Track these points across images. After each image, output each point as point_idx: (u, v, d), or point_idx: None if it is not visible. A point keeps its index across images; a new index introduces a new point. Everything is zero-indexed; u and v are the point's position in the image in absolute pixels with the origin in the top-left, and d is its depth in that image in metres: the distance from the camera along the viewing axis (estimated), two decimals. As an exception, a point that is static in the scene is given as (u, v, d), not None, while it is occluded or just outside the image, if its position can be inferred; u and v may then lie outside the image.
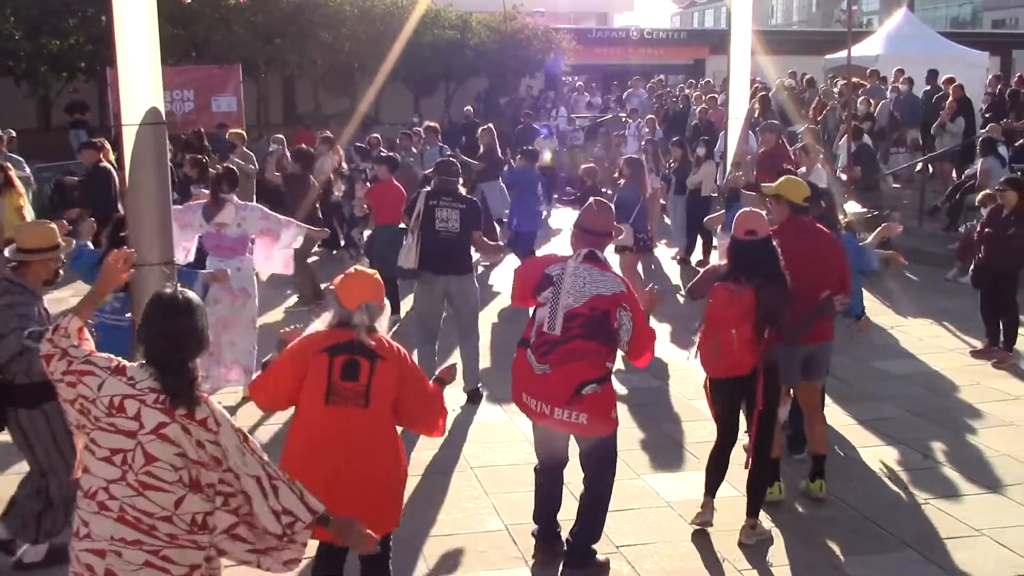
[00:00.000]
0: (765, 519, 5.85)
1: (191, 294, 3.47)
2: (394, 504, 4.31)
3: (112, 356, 3.45)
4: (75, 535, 3.33)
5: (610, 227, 5.34)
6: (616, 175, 12.72)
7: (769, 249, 5.47)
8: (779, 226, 5.95)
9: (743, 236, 5.46)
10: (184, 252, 8.33)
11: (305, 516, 3.45)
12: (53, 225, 5.32)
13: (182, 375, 3.32)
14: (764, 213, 5.73)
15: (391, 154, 11.98)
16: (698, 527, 5.74)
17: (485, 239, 8.46)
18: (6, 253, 5.23)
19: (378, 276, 4.34)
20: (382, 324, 4.29)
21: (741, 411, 5.76)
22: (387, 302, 4.40)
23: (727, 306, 5.41)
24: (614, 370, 5.20)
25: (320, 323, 4.30)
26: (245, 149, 14.82)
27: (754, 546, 5.57)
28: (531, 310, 5.25)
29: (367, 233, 12.23)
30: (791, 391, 6.40)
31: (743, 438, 5.90)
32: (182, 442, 3.28)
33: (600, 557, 5.35)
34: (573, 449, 5.41)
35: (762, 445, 5.61)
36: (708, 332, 5.51)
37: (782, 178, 6.31)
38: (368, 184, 12.02)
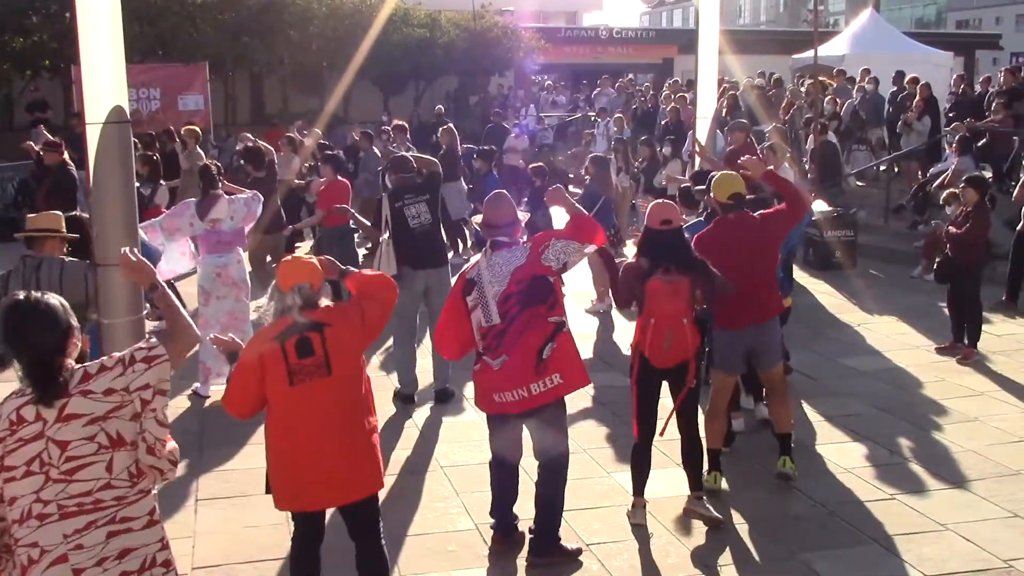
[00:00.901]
0: (735, 514, 5.93)
1: (42, 296, 3.40)
2: (374, 463, 4.46)
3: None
4: (29, 566, 3.27)
5: (509, 216, 5.39)
6: (583, 173, 12.76)
7: (683, 237, 5.68)
8: (714, 223, 6.16)
9: (659, 226, 5.63)
10: (190, 256, 8.35)
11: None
12: (59, 213, 6.34)
13: (51, 373, 3.30)
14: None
15: (335, 153, 11.85)
16: (637, 525, 5.81)
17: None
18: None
19: (313, 260, 4.47)
20: (325, 301, 4.43)
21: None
22: (329, 287, 4.55)
23: (671, 298, 5.53)
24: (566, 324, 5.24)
25: (268, 318, 4.43)
26: (198, 148, 14.69)
27: (732, 540, 5.66)
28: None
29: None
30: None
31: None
32: (87, 408, 3.29)
33: (569, 546, 5.41)
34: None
35: (692, 421, 5.85)
36: (660, 328, 5.56)
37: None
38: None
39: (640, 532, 5.75)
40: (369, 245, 12.52)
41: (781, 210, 6.25)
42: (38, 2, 20.09)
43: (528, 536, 5.42)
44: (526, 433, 5.50)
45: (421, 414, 7.81)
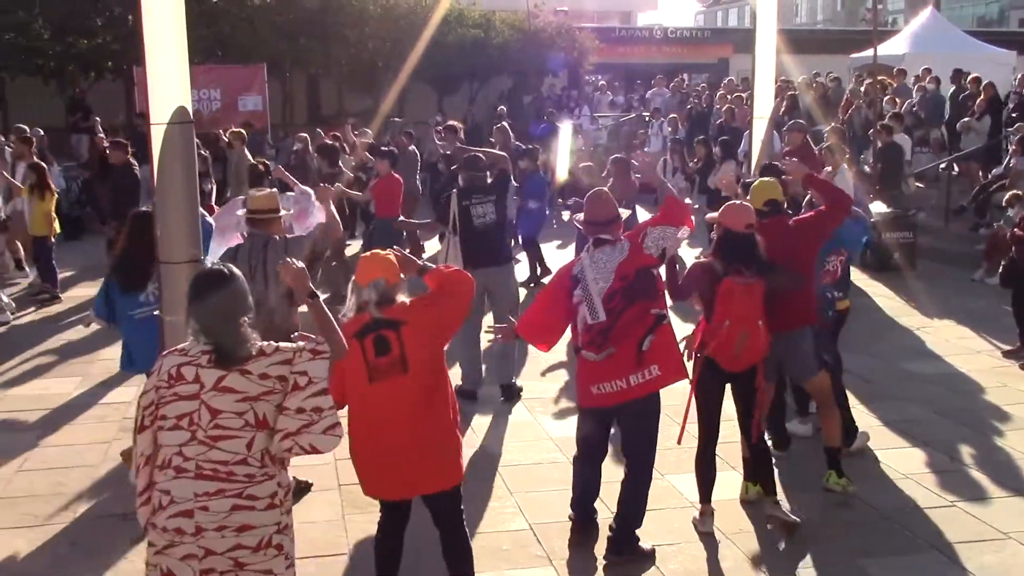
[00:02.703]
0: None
1: (229, 266, 3.74)
2: (451, 458, 4.54)
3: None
4: (156, 511, 3.55)
5: (609, 214, 5.38)
6: (604, 174, 12.81)
7: (756, 241, 5.57)
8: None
9: (745, 230, 5.53)
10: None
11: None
12: (274, 190, 6.46)
13: (233, 337, 3.59)
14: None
15: (391, 149, 12.11)
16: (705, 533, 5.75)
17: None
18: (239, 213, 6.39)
19: (391, 256, 4.57)
20: (402, 295, 4.53)
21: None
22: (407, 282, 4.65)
23: (746, 299, 5.44)
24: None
25: (349, 311, 4.54)
26: (245, 149, 14.89)
27: (787, 545, 5.60)
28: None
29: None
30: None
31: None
32: (243, 386, 3.56)
33: (644, 545, 5.41)
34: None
35: (758, 425, 5.73)
36: (735, 330, 5.45)
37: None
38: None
39: (697, 536, 5.72)
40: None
41: (820, 212, 6.11)
42: (101, 4, 20.47)
43: (609, 530, 5.41)
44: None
45: (475, 413, 7.83)
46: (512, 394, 8.13)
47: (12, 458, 6.85)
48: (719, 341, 5.52)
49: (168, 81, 5.27)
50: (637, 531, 5.40)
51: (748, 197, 6.16)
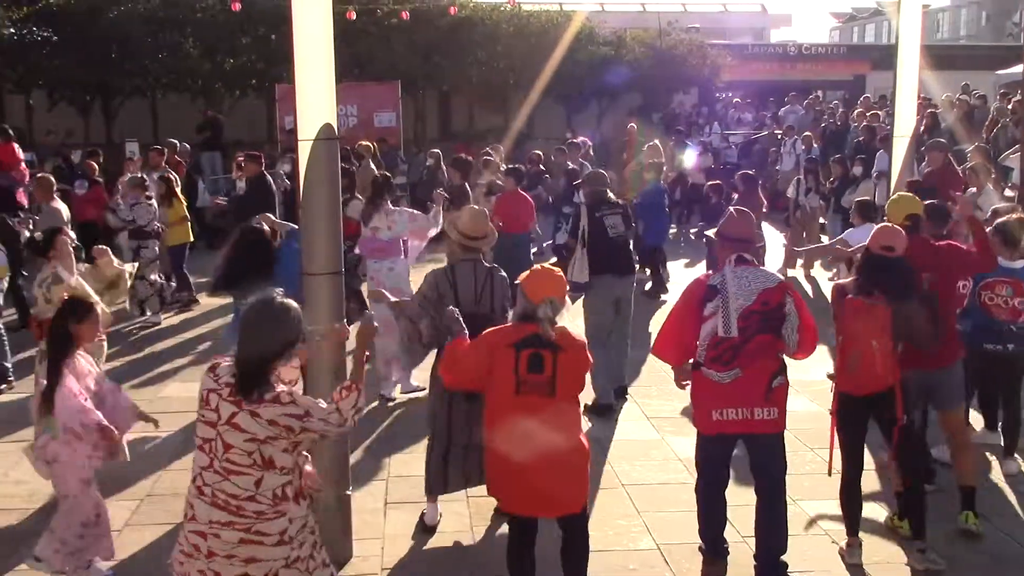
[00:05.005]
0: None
1: (289, 302, 3.73)
2: (578, 485, 4.67)
3: (219, 359, 3.80)
4: (185, 517, 3.71)
5: (750, 233, 5.36)
6: (732, 190, 12.73)
7: (904, 267, 5.36)
8: None
9: (879, 251, 5.36)
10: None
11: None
12: (484, 209, 6.33)
13: (256, 374, 3.60)
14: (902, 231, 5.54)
15: (517, 166, 12.26)
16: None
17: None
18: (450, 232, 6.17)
19: (561, 274, 4.70)
20: (563, 318, 4.65)
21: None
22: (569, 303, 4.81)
23: (864, 319, 5.28)
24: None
25: (513, 319, 4.74)
26: (371, 163, 15.24)
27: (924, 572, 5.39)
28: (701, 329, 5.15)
29: None
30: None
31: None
32: (251, 427, 3.58)
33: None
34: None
35: (909, 461, 5.46)
36: (846, 347, 5.37)
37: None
38: None
39: (836, 562, 5.58)
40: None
41: (968, 252, 5.96)
42: (248, 24, 21.27)
43: (755, 559, 5.27)
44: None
45: (604, 430, 7.82)
46: (621, 394, 8.39)
47: (160, 458, 7.19)
48: (838, 360, 5.45)
49: (315, 99, 5.46)
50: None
51: (886, 215, 6.05)
